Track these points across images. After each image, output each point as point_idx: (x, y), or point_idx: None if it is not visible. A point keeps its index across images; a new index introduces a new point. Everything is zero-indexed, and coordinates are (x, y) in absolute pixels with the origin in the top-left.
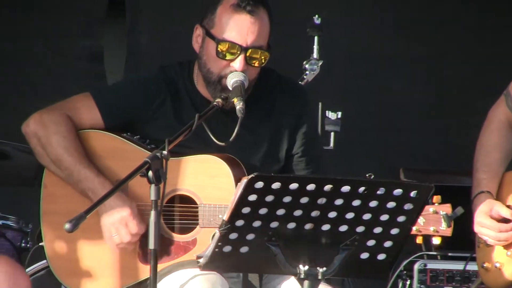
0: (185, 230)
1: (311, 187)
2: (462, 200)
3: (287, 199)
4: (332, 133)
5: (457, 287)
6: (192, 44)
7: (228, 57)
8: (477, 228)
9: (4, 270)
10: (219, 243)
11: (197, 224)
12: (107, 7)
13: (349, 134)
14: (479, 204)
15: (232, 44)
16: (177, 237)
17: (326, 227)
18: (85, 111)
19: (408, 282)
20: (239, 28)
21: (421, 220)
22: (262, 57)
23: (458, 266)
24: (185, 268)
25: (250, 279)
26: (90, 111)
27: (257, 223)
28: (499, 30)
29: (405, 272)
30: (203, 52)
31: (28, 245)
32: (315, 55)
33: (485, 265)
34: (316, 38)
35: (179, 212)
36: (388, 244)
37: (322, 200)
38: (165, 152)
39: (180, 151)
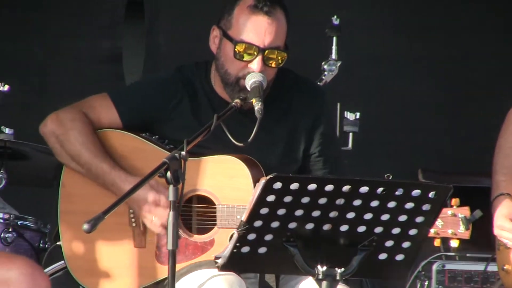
0: (203, 230)
1: (329, 187)
2: (481, 201)
3: (305, 199)
4: (351, 134)
5: None
6: (209, 45)
7: (246, 58)
8: (496, 231)
9: (23, 271)
10: (237, 244)
11: (215, 224)
12: (125, 8)
13: (367, 135)
14: (499, 206)
15: (250, 45)
16: (195, 237)
17: (344, 227)
18: (102, 110)
19: (426, 283)
20: (257, 29)
21: (439, 222)
22: (280, 58)
23: (476, 267)
24: (203, 269)
25: (267, 279)
26: (108, 111)
27: (275, 224)
28: None
29: (423, 273)
30: (220, 54)
31: (46, 246)
32: (333, 55)
33: (505, 267)
34: (334, 38)
35: (197, 212)
36: (406, 244)
37: (340, 201)
38: (183, 152)
39: (198, 152)
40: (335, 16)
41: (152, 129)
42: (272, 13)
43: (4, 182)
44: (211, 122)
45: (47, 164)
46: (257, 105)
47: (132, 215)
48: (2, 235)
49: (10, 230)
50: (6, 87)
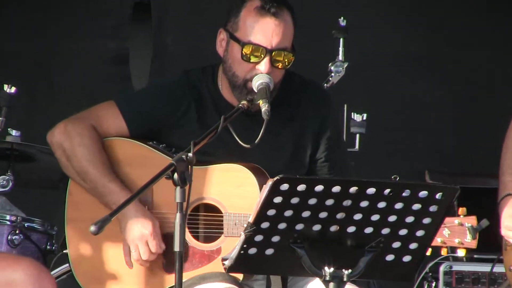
0: (210, 239)
1: (336, 189)
2: (488, 202)
3: (312, 201)
4: (358, 135)
5: None
6: (216, 48)
7: (253, 60)
8: (504, 231)
9: (29, 273)
10: (245, 245)
11: (221, 233)
12: (132, 9)
13: (374, 136)
14: (506, 206)
15: (257, 47)
16: (202, 245)
17: (351, 229)
18: (109, 119)
19: (433, 284)
20: (264, 30)
21: (446, 232)
22: (287, 59)
23: (483, 268)
24: (207, 282)
25: (273, 282)
26: (115, 119)
27: (282, 225)
28: None
29: (430, 274)
30: (227, 56)
31: (53, 248)
32: (340, 57)
33: None
34: (341, 40)
35: (204, 220)
36: (413, 246)
37: (347, 202)
38: (190, 154)
39: (204, 160)
40: (342, 18)
41: (160, 136)
42: (279, 14)
43: (11, 184)
44: (218, 123)
45: (54, 166)
46: (264, 106)
47: None
48: (9, 237)
49: (17, 232)
50: (13, 89)
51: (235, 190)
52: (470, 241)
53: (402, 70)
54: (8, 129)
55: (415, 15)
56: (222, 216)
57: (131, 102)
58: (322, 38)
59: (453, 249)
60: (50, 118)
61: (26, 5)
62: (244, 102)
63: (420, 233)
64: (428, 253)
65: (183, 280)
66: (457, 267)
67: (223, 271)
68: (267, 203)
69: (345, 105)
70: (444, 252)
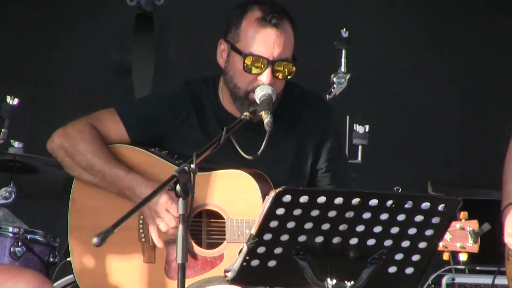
0: (212, 245)
1: (339, 200)
2: (490, 214)
3: (315, 212)
4: (360, 147)
5: None
6: (217, 59)
7: (255, 71)
8: (507, 239)
9: (32, 285)
10: (247, 257)
11: (224, 239)
12: (135, 20)
13: (376, 148)
14: (509, 214)
15: (259, 58)
16: (204, 252)
17: (354, 240)
18: (110, 125)
19: None
20: (265, 41)
21: (447, 236)
22: (288, 69)
23: (486, 280)
24: (213, 285)
25: None
26: (115, 126)
27: (285, 237)
28: None
29: (433, 286)
30: (229, 67)
31: (55, 260)
32: (342, 68)
33: None
34: (343, 51)
35: (206, 227)
36: (416, 257)
37: (350, 214)
38: (193, 166)
39: (206, 167)
40: (344, 29)
41: (161, 143)
42: (280, 25)
43: (13, 196)
44: (220, 135)
45: (57, 178)
46: (266, 118)
47: (141, 230)
48: (11, 249)
49: (19, 244)
50: (16, 101)
51: (237, 196)
52: (472, 245)
53: (404, 82)
54: (11, 140)
55: (417, 27)
56: (224, 222)
57: (131, 109)
58: (324, 50)
59: (454, 254)
60: (53, 129)
61: (29, 17)
62: (246, 113)
63: (422, 245)
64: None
65: (187, 285)
66: (459, 279)
67: None
68: (269, 214)
69: (347, 117)
70: (446, 256)
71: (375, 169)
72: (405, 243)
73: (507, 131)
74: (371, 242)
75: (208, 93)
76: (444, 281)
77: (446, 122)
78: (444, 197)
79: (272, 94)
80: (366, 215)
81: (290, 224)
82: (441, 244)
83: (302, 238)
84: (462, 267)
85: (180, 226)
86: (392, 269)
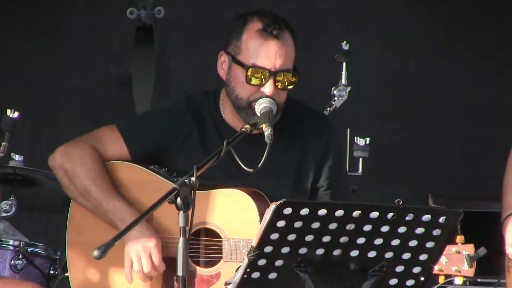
0: (209, 263)
1: (339, 213)
2: (490, 226)
3: (315, 225)
4: (361, 159)
5: None
6: (218, 71)
7: (257, 82)
8: (509, 250)
9: None
10: (248, 269)
11: (221, 258)
12: (135, 34)
13: (377, 160)
14: (509, 224)
15: (261, 69)
16: (201, 270)
17: (354, 253)
18: (111, 143)
19: None
20: (267, 53)
21: (443, 259)
22: (289, 80)
23: None
24: None
25: None
26: (117, 143)
27: (285, 249)
28: None
29: None
30: (230, 79)
31: (56, 272)
32: (343, 81)
33: None
34: (344, 64)
35: (203, 245)
36: (416, 270)
37: (350, 226)
38: (193, 178)
39: (204, 184)
40: (345, 42)
41: (161, 160)
42: (281, 36)
43: (14, 209)
44: (221, 148)
45: (57, 191)
46: (267, 130)
47: None
48: (12, 262)
49: (20, 257)
50: (16, 114)
51: (234, 215)
52: (467, 269)
53: (405, 94)
54: (11, 154)
55: (418, 39)
56: (221, 241)
57: (132, 126)
58: (325, 62)
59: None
60: (53, 143)
61: (30, 30)
62: (247, 126)
63: (423, 257)
64: None
65: None
66: None
67: None
68: (270, 227)
69: (348, 129)
70: (441, 280)
71: (375, 182)
72: (406, 255)
73: (506, 143)
74: (371, 254)
75: (209, 107)
76: None
77: (447, 134)
78: (444, 209)
79: (272, 107)
80: (367, 228)
81: (291, 237)
82: (436, 267)
83: (302, 250)
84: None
85: (181, 239)
86: (393, 281)
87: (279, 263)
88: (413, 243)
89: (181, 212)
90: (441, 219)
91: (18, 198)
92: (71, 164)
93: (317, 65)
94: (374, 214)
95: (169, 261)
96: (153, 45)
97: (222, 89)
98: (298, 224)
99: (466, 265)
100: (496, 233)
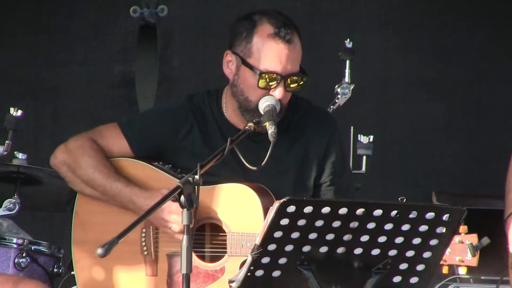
0: (215, 258)
1: (343, 211)
2: (494, 223)
3: (319, 223)
4: (364, 157)
5: None
6: (223, 69)
7: (268, 86)
8: None
9: None
10: (251, 267)
11: (225, 252)
12: (138, 32)
13: (381, 158)
14: None
15: (273, 74)
16: (206, 265)
17: (358, 250)
18: (113, 140)
19: None
20: (279, 57)
21: (447, 249)
22: (299, 82)
23: None
24: None
25: None
26: (118, 140)
27: (289, 247)
28: None
29: None
30: (239, 81)
31: (60, 270)
32: (346, 79)
33: None
34: (347, 62)
35: (208, 240)
36: (420, 267)
37: (354, 224)
38: (197, 176)
39: (208, 180)
40: (348, 40)
41: (164, 157)
42: (292, 41)
43: (17, 207)
44: (224, 146)
45: (61, 189)
46: (270, 128)
47: (144, 244)
48: (16, 260)
49: (24, 255)
50: (19, 112)
51: (238, 210)
52: (471, 259)
53: (408, 92)
54: (15, 152)
55: (421, 37)
56: (225, 236)
57: (133, 124)
58: (329, 60)
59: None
60: (57, 141)
61: (33, 29)
62: (250, 124)
63: (427, 254)
64: None
65: None
66: None
67: None
68: (273, 225)
69: (352, 127)
70: (445, 270)
71: (379, 179)
72: (410, 253)
73: (510, 140)
74: (375, 252)
75: (211, 105)
76: None
77: (450, 132)
78: (448, 207)
79: (276, 105)
80: (371, 225)
81: (295, 234)
82: None
83: (306, 248)
84: (467, 276)
85: (185, 237)
86: (397, 279)
87: (282, 261)
88: (416, 240)
89: (185, 210)
90: (445, 217)
91: (21, 196)
92: (72, 156)
93: (321, 63)
94: (378, 212)
95: (176, 257)
96: (156, 43)
97: (225, 88)
98: (301, 222)
99: (469, 254)
100: (500, 230)
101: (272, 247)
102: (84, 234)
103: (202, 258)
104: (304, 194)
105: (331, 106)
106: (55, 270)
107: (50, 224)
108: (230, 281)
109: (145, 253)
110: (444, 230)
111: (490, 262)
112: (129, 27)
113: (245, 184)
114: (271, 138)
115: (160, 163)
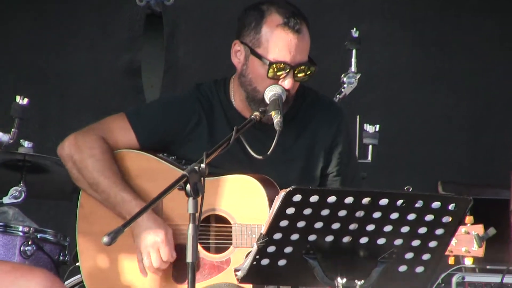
0: (219, 249)
1: (349, 200)
2: (500, 213)
3: (325, 212)
4: (370, 146)
5: None
6: (231, 59)
7: (277, 76)
8: None
9: (43, 283)
10: (257, 256)
11: (231, 244)
12: (144, 21)
13: (387, 147)
14: None
15: (282, 64)
16: (211, 256)
17: (364, 240)
18: (119, 132)
19: None
20: (288, 47)
21: (453, 240)
22: (308, 72)
23: (496, 279)
24: None
25: None
26: (125, 132)
27: (295, 236)
28: None
29: (443, 285)
30: (247, 70)
31: (66, 259)
32: (353, 68)
33: None
34: (354, 51)
35: (213, 231)
36: (426, 257)
37: (360, 213)
38: (203, 165)
39: (213, 171)
40: (355, 29)
41: (170, 149)
42: (301, 31)
43: (23, 195)
44: (230, 135)
45: (66, 178)
46: (276, 117)
47: None
48: (21, 248)
49: (29, 243)
50: (26, 101)
51: (244, 201)
52: (477, 250)
53: (414, 82)
54: (21, 140)
55: (428, 27)
56: (231, 227)
57: (141, 115)
58: (335, 49)
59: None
60: (63, 129)
61: (39, 18)
62: (256, 113)
63: (432, 244)
64: None
65: None
66: (469, 278)
67: (233, 281)
68: (279, 214)
69: (358, 116)
70: (451, 260)
71: (385, 169)
72: (416, 242)
73: None
74: (381, 241)
75: (219, 94)
76: (454, 280)
77: (456, 122)
78: (454, 197)
79: (282, 94)
80: (376, 215)
81: (300, 224)
82: None
83: (312, 237)
84: (472, 266)
85: (190, 225)
86: (402, 268)
87: (288, 250)
88: (422, 230)
89: (191, 198)
90: (451, 206)
91: (27, 185)
92: (80, 155)
93: (327, 52)
94: (384, 201)
95: (181, 248)
96: (162, 32)
97: (232, 77)
98: (307, 211)
99: (475, 245)
100: (506, 220)
101: (278, 236)
102: (89, 226)
103: (207, 249)
104: (311, 183)
105: (337, 96)
106: (61, 258)
107: (56, 212)
108: (236, 270)
109: None
110: (450, 219)
111: (496, 251)
112: (135, 15)
113: (250, 175)
114: (277, 127)
115: (165, 154)
